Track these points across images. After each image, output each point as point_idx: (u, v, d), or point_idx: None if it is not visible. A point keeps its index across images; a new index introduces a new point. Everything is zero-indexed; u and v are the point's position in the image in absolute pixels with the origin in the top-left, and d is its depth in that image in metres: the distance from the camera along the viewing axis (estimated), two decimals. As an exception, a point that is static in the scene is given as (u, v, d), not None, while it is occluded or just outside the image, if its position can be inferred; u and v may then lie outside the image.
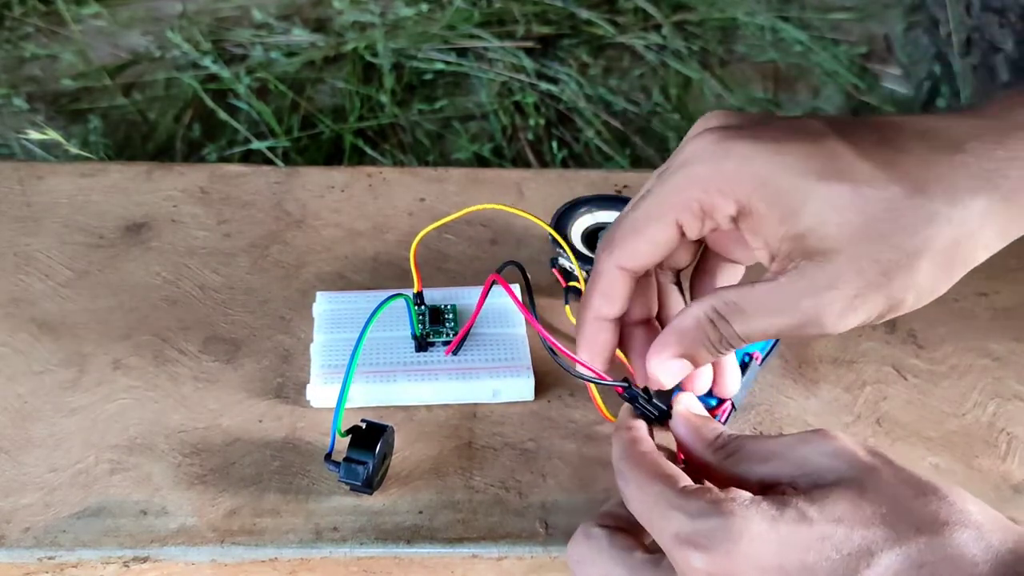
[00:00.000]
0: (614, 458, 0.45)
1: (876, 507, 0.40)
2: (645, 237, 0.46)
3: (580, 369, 0.48)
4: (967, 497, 0.40)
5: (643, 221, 0.46)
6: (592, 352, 0.48)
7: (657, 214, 0.45)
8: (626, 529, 0.44)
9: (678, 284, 0.51)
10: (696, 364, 0.46)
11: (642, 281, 0.49)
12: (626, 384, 0.48)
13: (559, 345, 0.48)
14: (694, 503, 0.41)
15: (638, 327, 0.50)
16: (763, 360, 0.57)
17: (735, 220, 0.45)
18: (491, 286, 0.54)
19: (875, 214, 0.42)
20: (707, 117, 0.47)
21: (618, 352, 0.50)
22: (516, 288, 0.61)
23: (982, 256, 0.44)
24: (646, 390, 0.48)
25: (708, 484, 0.43)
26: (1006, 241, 0.44)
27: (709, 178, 0.44)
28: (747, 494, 0.41)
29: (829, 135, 0.43)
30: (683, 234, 0.46)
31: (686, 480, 0.42)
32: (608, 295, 0.47)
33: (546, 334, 0.48)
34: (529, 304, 0.55)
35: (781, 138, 0.43)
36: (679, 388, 0.49)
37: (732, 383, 0.52)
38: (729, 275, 0.51)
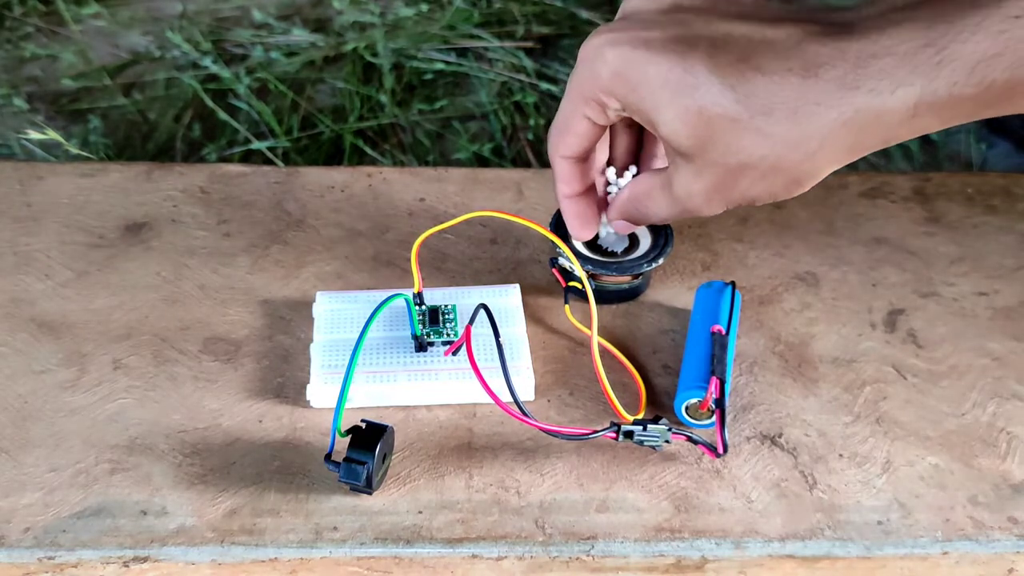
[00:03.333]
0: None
1: None
2: (568, 131, 0.53)
3: (567, 432, 0.52)
4: None
5: (561, 118, 0.53)
6: (576, 224, 0.58)
7: (569, 111, 0.52)
8: None
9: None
10: (637, 224, 0.57)
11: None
12: (616, 427, 0.51)
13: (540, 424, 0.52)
14: None
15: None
16: (728, 330, 0.56)
17: (628, 114, 0.51)
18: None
19: (719, 129, 0.46)
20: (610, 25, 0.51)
21: (612, 395, 0.54)
22: (516, 287, 0.61)
23: (826, 171, 0.48)
24: (639, 422, 0.52)
25: None
26: (845, 161, 0.47)
27: (593, 80, 0.50)
28: None
29: (696, 49, 0.47)
30: (598, 122, 0.52)
31: None
32: (565, 179, 0.56)
33: (538, 424, 0.52)
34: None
35: (657, 48, 0.47)
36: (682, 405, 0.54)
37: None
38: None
